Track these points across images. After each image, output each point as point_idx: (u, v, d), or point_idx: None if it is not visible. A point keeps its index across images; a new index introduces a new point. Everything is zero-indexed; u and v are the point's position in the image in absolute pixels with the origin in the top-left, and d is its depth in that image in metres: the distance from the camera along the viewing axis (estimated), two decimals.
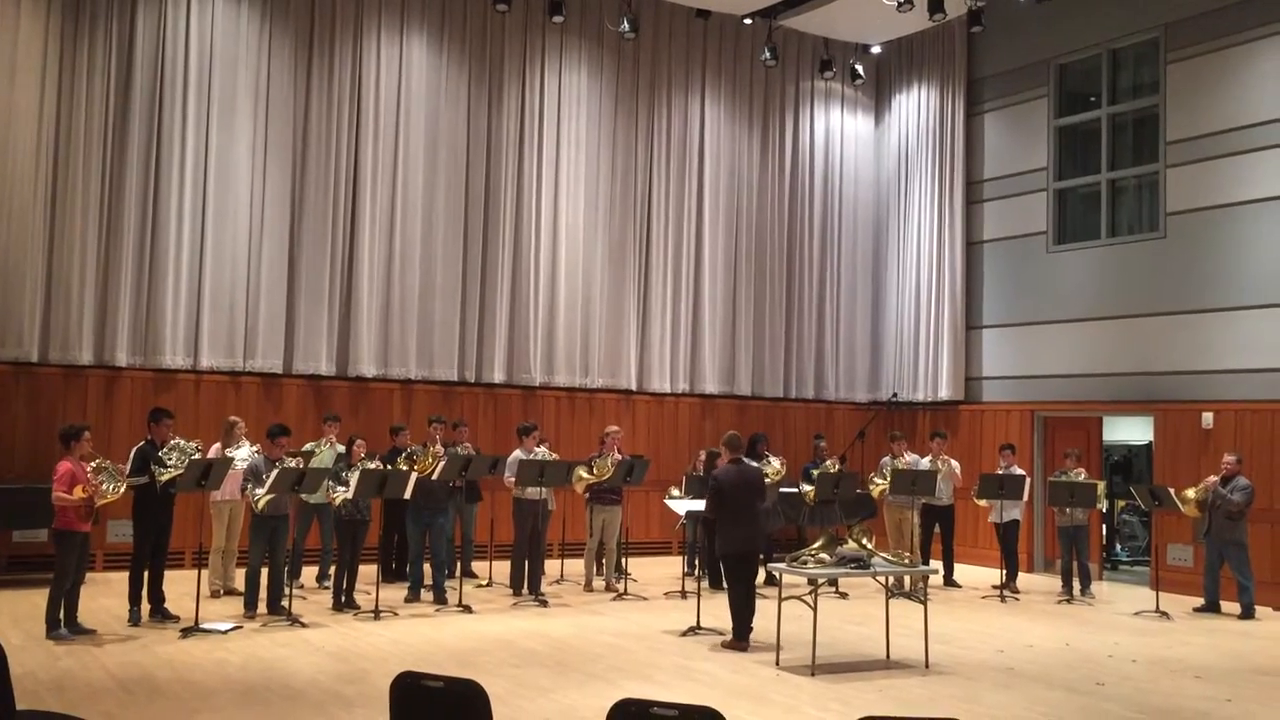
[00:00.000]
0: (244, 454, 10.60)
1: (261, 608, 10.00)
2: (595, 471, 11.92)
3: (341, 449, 11.43)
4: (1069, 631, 10.60)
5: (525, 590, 11.53)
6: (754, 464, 10.45)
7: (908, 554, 10.46)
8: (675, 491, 12.55)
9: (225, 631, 9.29)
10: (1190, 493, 11.89)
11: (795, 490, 13.18)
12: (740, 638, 9.22)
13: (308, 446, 11.49)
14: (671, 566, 13.74)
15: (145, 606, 9.68)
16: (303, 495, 10.38)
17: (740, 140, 16.88)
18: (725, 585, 9.88)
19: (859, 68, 17.13)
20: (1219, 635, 10.70)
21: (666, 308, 16.15)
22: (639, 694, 6.94)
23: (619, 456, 12.10)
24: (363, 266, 14.09)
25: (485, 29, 15.05)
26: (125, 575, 9.87)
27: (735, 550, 9.37)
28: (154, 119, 13.04)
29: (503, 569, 12.21)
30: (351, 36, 14.17)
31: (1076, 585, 12.74)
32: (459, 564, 12.17)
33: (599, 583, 12.36)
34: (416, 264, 14.41)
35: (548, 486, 11.64)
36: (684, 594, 11.73)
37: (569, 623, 10.32)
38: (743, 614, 9.26)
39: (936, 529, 13.54)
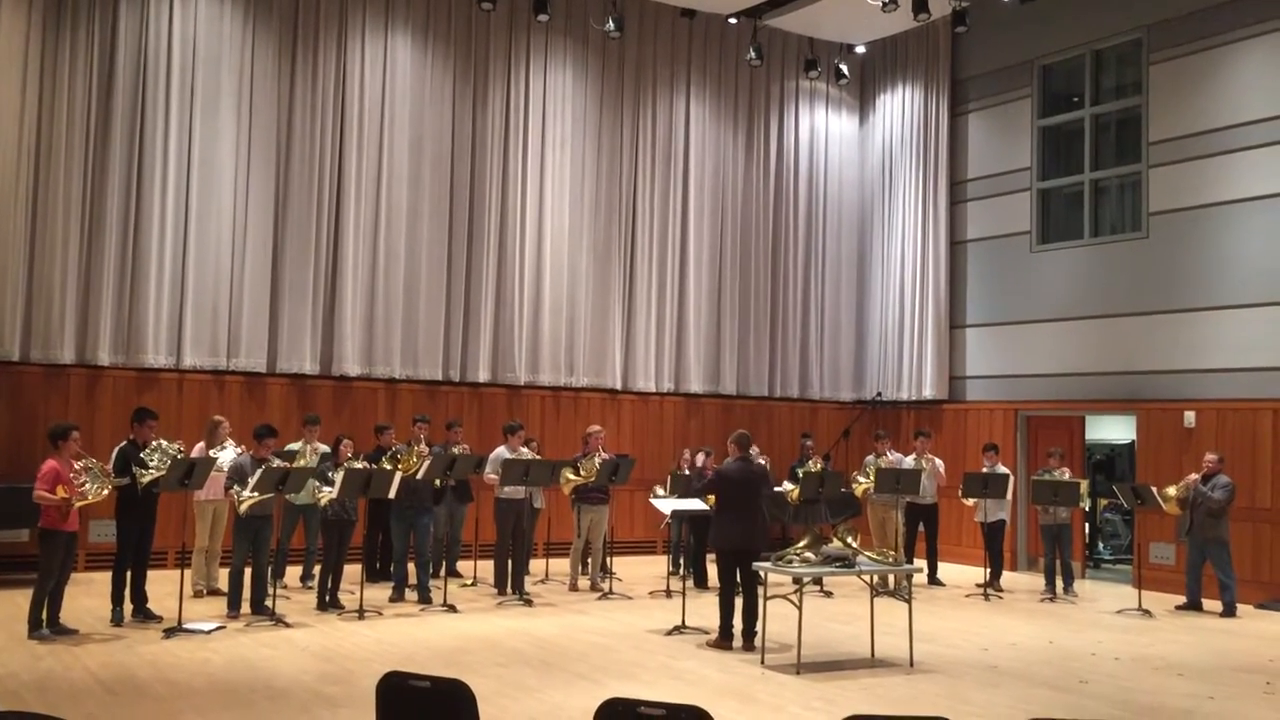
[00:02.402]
0: (228, 455, 10.56)
1: (245, 608, 9.96)
2: (582, 473, 11.91)
3: (325, 449, 11.38)
4: (1052, 630, 10.65)
5: (510, 590, 11.52)
6: (761, 463, 10.42)
7: (892, 553, 10.48)
8: (660, 491, 12.56)
9: (209, 632, 9.25)
10: (1171, 490, 11.96)
11: (781, 489, 13.19)
12: (726, 636, 9.22)
13: (290, 446, 11.43)
14: (656, 565, 13.74)
15: (128, 606, 9.63)
16: (287, 496, 10.32)
17: (725, 139, 16.90)
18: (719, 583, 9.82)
19: (843, 67, 17.15)
20: (1201, 633, 10.76)
21: (651, 307, 16.15)
22: (625, 693, 6.94)
23: (604, 456, 12.09)
24: (347, 265, 14.05)
25: (470, 27, 15.02)
26: (108, 575, 9.81)
27: (729, 546, 9.34)
28: (136, 116, 12.97)
29: (488, 568, 12.19)
30: (335, 35, 14.13)
31: (1060, 584, 12.79)
32: (444, 563, 12.15)
33: (584, 582, 12.35)
34: (401, 263, 14.38)
35: (532, 486, 11.63)
36: (669, 593, 11.74)
37: (554, 622, 10.31)
38: (733, 613, 9.25)
39: (920, 528, 13.58)
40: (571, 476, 11.94)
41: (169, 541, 11.74)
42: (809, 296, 17.47)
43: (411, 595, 11.12)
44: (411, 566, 11.32)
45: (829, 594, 12.22)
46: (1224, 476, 11.84)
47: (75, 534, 9.20)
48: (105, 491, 9.11)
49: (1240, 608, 11.82)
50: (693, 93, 16.61)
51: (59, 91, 12.60)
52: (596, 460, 11.92)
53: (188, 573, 10.18)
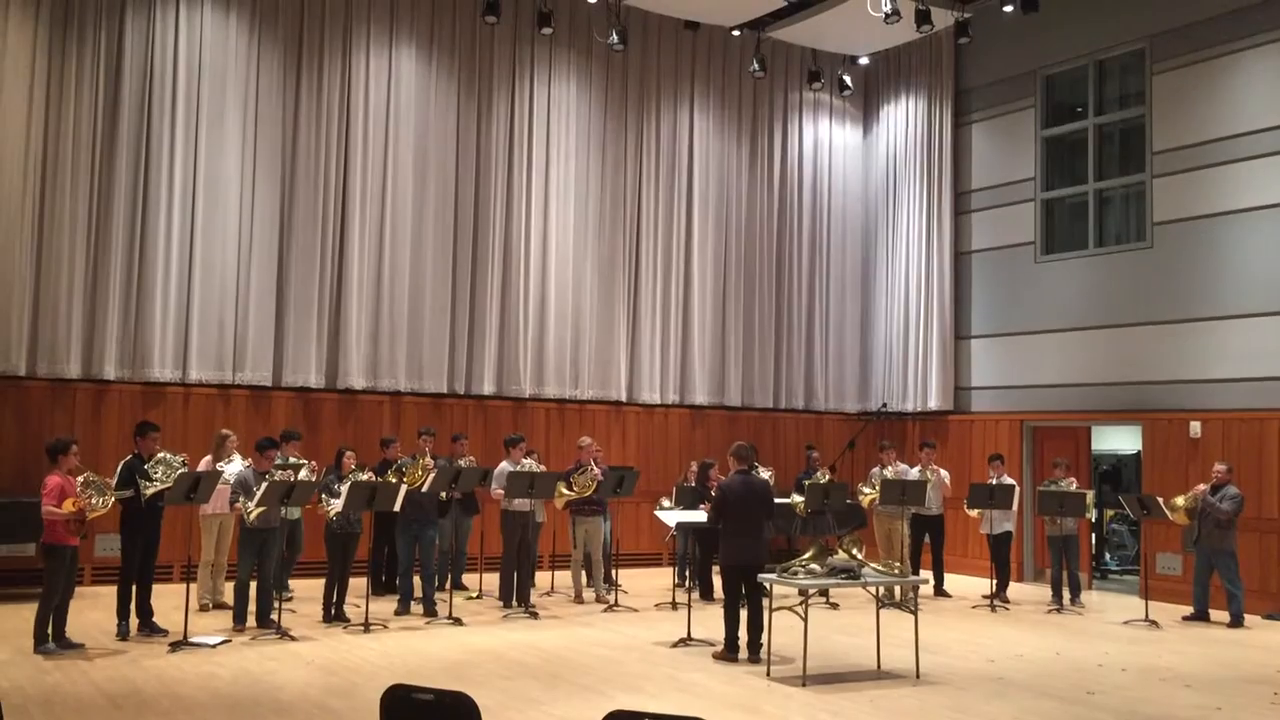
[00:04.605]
0: (234, 468, 10.55)
1: (250, 621, 9.96)
2: (576, 489, 11.90)
3: (299, 461, 11.25)
4: (1059, 641, 10.62)
5: (515, 602, 11.51)
6: (763, 476, 10.39)
7: (898, 564, 10.47)
8: (666, 503, 12.54)
9: (214, 645, 9.25)
10: (1180, 500, 11.94)
11: (786, 501, 13.17)
12: (732, 648, 9.20)
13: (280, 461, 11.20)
14: (662, 578, 13.72)
15: (134, 621, 9.63)
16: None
17: (729, 151, 16.93)
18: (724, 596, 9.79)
19: (847, 79, 17.18)
20: (1208, 644, 10.72)
21: (656, 319, 16.16)
22: (630, 705, 6.93)
23: (597, 471, 12.07)
24: (352, 278, 14.07)
25: (474, 41, 15.07)
26: (113, 589, 9.83)
27: (734, 561, 9.32)
28: (143, 131, 13.03)
29: (493, 581, 12.18)
30: (340, 49, 14.18)
31: (1066, 594, 12.75)
32: (449, 576, 12.14)
33: (589, 594, 12.34)
34: (406, 276, 14.41)
35: (537, 499, 11.63)
36: (674, 605, 11.72)
37: (559, 634, 10.30)
38: (738, 625, 9.22)
39: (926, 539, 13.54)
40: (566, 492, 11.92)
41: (174, 555, 11.75)
42: (813, 308, 17.48)
43: (417, 608, 11.12)
44: (417, 579, 11.32)
45: (835, 605, 12.20)
46: (1233, 487, 11.81)
47: (77, 548, 9.19)
48: (109, 503, 9.11)
49: (1248, 618, 11.78)
50: (696, 105, 16.65)
51: (65, 107, 12.66)
52: (589, 477, 11.90)
53: (193, 586, 10.19)
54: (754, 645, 9.14)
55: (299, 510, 10.66)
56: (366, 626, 10.12)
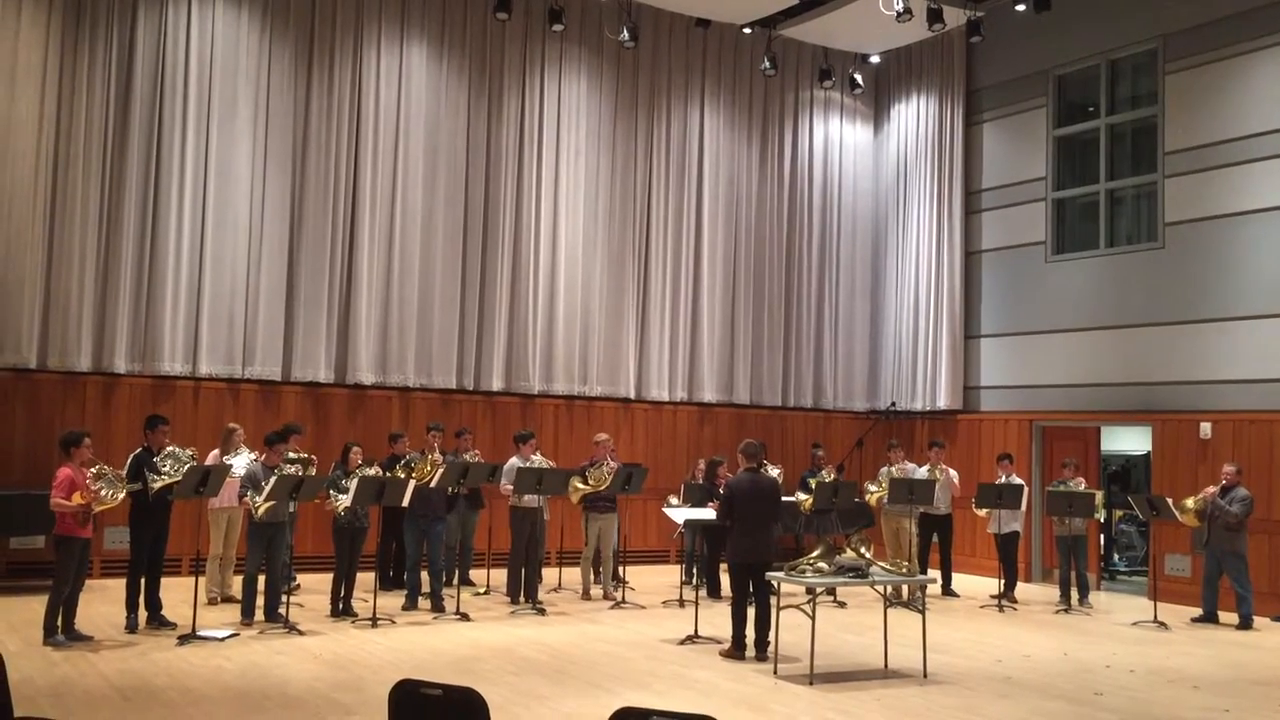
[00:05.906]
0: (242, 461, 10.58)
1: (259, 615, 10.00)
2: (591, 482, 11.91)
3: (301, 455, 11.26)
4: (1067, 641, 10.60)
5: (523, 598, 11.53)
6: (772, 474, 10.39)
7: (905, 563, 10.46)
8: (674, 500, 12.55)
9: (222, 639, 9.27)
10: (1189, 502, 11.91)
11: (790, 499, 13.16)
12: (739, 646, 9.21)
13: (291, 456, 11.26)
14: (670, 575, 13.73)
15: (142, 613, 9.66)
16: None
17: (739, 149, 16.91)
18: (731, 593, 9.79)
19: (858, 77, 17.16)
20: (1217, 645, 10.69)
21: (665, 316, 16.16)
22: (637, 702, 6.93)
23: (613, 465, 12.08)
24: (362, 274, 14.09)
25: (485, 37, 15.07)
26: (123, 582, 9.85)
27: (741, 558, 9.33)
28: (154, 126, 13.05)
29: (500, 577, 12.20)
30: (352, 45, 14.19)
31: (1074, 595, 12.74)
32: (457, 572, 12.16)
33: (597, 591, 12.35)
34: (415, 271, 14.42)
35: (545, 495, 11.64)
36: (682, 603, 11.72)
37: (567, 631, 10.31)
38: (745, 623, 9.23)
39: (934, 538, 13.52)
40: (581, 486, 11.94)
41: (183, 549, 11.78)
42: (823, 306, 17.46)
43: (425, 603, 11.13)
44: (425, 574, 11.33)
45: (842, 604, 12.20)
46: (1242, 489, 11.78)
47: (89, 540, 9.24)
48: (120, 496, 9.14)
49: (1256, 620, 11.75)
50: (707, 102, 16.63)
51: (77, 101, 12.69)
52: (605, 470, 11.92)
53: (202, 580, 10.22)
54: (761, 643, 9.14)
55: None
56: (374, 621, 10.14)
